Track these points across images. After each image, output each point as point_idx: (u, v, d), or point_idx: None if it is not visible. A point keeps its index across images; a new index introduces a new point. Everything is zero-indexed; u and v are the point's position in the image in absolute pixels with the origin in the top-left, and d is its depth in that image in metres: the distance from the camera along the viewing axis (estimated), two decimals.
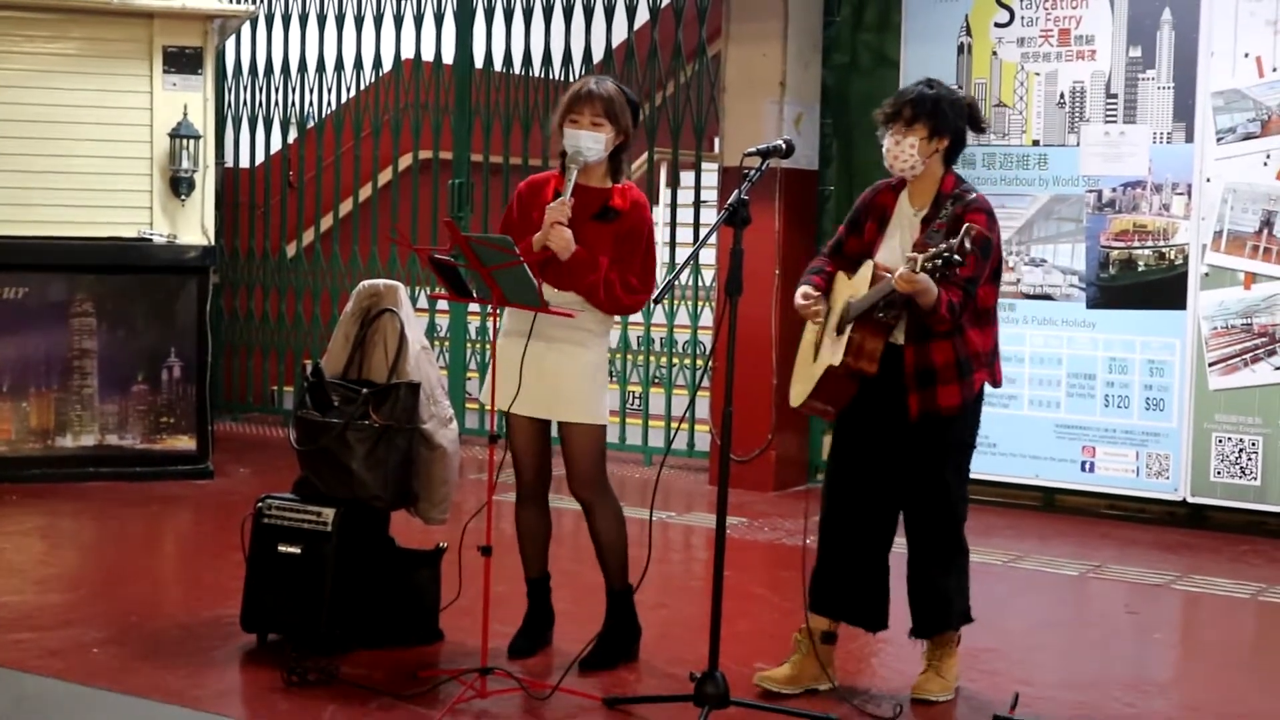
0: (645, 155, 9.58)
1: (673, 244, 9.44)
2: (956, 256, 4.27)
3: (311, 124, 10.56)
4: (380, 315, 5.31)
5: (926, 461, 4.68)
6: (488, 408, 5.09)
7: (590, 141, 4.85)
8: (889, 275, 4.47)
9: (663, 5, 9.24)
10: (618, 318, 5.32)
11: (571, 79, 9.23)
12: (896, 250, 4.64)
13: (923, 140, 4.62)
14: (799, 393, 4.80)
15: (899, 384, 4.61)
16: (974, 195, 4.63)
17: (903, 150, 4.63)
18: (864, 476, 4.74)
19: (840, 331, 4.62)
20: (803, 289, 4.75)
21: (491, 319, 4.82)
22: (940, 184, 4.68)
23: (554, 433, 5.05)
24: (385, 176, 10.44)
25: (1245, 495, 7.29)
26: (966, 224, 4.36)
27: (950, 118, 4.66)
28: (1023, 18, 7.76)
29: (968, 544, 4.84)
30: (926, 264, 4.32)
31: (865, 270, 4.64)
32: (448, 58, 9.93)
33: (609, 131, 4.88)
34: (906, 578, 4.81)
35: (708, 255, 8.77)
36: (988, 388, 4.76)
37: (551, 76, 9.53)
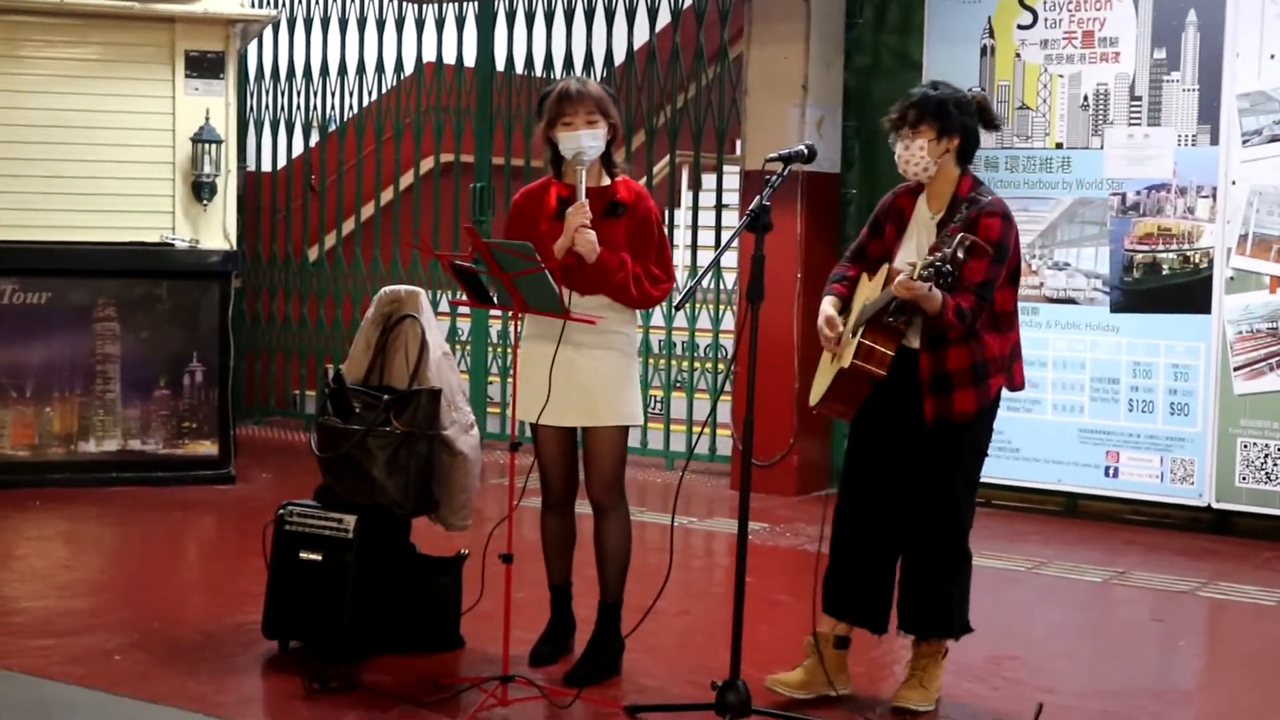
0: (667, 158, 9.57)
1: (694, 247, 9.42)
2: (948, 267, 4.26)
3: (333, 128, 10.57)
4: (401, 321, 5.30)
5: (938, 466, 4.64)
6: (521, 419, 4.97)
7: (590, 140, 4.85)
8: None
9: (684, 7, 9.23)
10: (638, 315, 5.22)
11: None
12: (914, 254, 4.62)
13: (931, 141, 4.59)
14: (815, 393, 4.80)
15: (914, 389, 4.59)
16: (989, 198, 4.59)
17: (912, 154, 4.60)
18: (878, 480, 4.71)
19: (855, 334, 4.61)
20: (825, 312, 4.71)
21: (513, 324, 4.78)
22: (957, 186, 4.64)
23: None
24: (407, 180, 10.45)
25: (1271, 501, 7.23)
26: (960, 235, 4.35)
27: (957, 116, 4.62)
28: (1046, 20, 7.72)
29: (971, 552, 4.79)
30: (923, 271, 4.31)
31: (881, 273, 4.63)
32: (469, 61, 9.92)
33: (603, 127, 4.88)
34: (901, 580, 4.75)
35: (729, 259, 8.75)
36: (1005, 391, 4.73)
37: None
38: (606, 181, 4.97)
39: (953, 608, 4.73)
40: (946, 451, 4.64)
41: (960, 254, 4.28)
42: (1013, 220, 4.62)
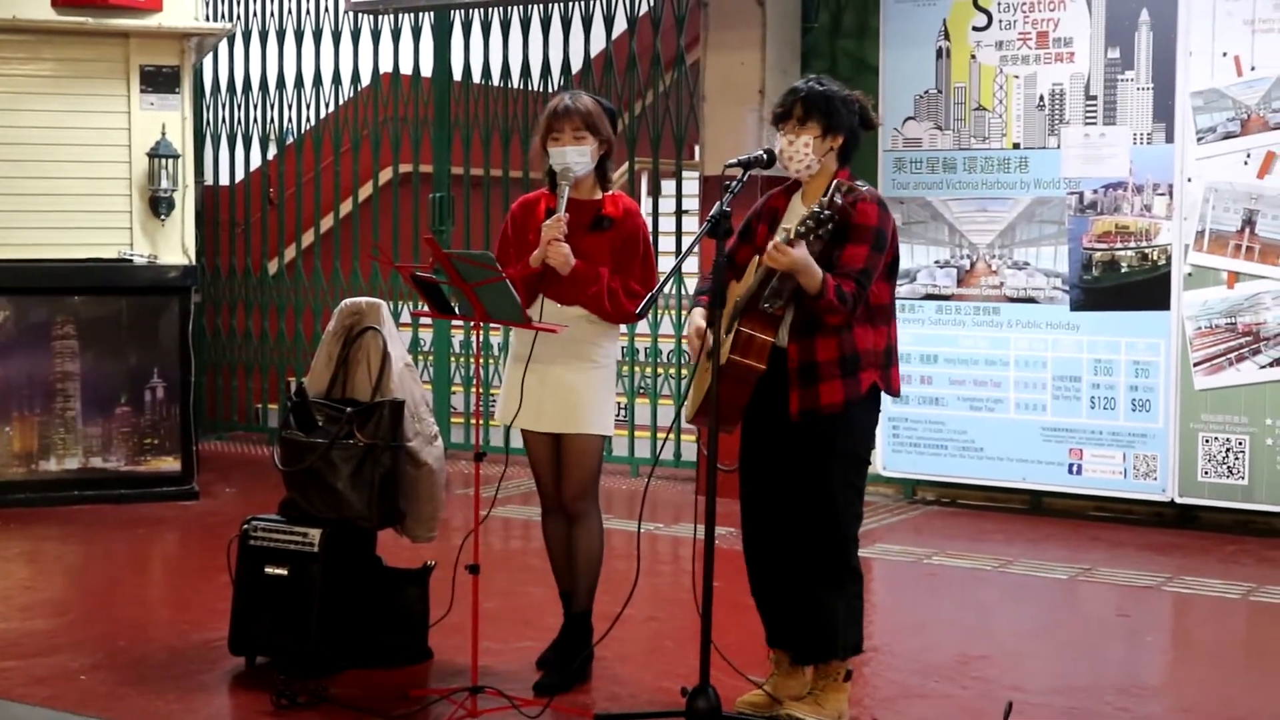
0: (626, 165, 9.57)
1: (655, 253, 9.40)
2: (826, 213, 4.15)
3: (291, 140, 10.53)
4: (363, 334, 5.28)
5: (811, 469, 4.46)
6: (499, 422, 5.09)
7: (576, 156, 4.88)
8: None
9: (640, 14, 9.23)
10: (623, 328, 5.26)
11: (550, 90, 9.22)
12: None
13: (816, 139, 4.49)
14: (691, 405, 4.64)
15: (783, 385, 4.45)
16: (865, 187, 4.44)
17: (796, 150, 4.50)
18: (766, 492, 4.56)
19: (730, 332, 4.49)
20: (694, 323, 4.57)
21: (475, 333, 4.77)
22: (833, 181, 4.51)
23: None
24: (366, 191, 10.42)
25: (1233, 495, 7.29)
26: (836, 180, 4.27)
27: (844, 115, 4.51)
28: (1001, 21, 7.76)
29: (860, 568, 4.58)
30: (800, 229, 4.19)
31: (752, 266, 4.52)
32: (426, 71, 9.91)
33: (592, 143, 4.92)
34: (790, 597, 4.55)
35: (691, 264, 8.75)
36: (889, 397, 4.58)
37: (530, 88, 9.51)
38: (598, 195, 5.00)
39: (838, 626, 4.49)
40: (818, 451, 4.45)
41: (838, 198, 4.15)
42: (889, 212, 4.53)
